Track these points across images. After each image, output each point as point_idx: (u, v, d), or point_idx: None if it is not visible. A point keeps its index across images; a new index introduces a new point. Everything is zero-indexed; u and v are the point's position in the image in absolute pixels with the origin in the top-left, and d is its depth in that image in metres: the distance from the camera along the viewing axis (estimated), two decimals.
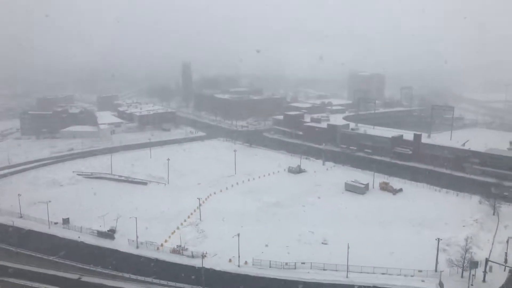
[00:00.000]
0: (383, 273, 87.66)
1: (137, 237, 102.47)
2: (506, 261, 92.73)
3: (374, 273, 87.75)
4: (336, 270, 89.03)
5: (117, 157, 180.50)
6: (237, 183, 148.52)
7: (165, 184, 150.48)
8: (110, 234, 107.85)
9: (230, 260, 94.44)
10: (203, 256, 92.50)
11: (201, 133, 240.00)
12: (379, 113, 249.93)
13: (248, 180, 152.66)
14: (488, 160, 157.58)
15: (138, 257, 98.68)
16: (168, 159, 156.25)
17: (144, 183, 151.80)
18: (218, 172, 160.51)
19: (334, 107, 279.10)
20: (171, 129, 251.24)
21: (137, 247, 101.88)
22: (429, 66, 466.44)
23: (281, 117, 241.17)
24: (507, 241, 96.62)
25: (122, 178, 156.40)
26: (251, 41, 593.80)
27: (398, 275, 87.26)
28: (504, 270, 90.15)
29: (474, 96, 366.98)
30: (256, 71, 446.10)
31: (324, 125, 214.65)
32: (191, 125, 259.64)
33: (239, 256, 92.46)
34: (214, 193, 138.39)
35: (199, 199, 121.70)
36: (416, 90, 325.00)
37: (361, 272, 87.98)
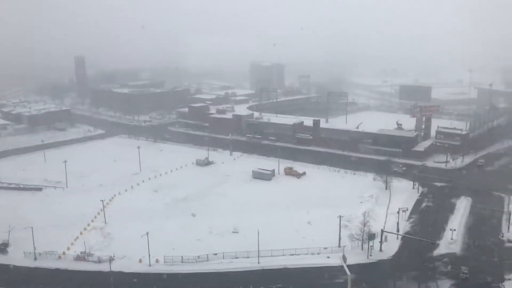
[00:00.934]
0: (292, 254, 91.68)
1: (34, 248, 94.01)
2: (398, 230, 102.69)
3: (283, 255, 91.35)
4: (248, 257, 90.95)
5: (5, 163, 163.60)
6: (143, 181, 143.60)
7: (63, 188, 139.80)
8: (1, 248, 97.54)
9: (140, 261, 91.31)
10: (111, 259, 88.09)
11: (100, 131, 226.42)
12: (280, 101, 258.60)
13: (155, 176, 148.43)
14: (379, 139, 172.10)
15: (37, 269, 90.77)
16: (65, 161, 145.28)
17: (38, 188, 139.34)
18: (122, 170, 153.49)
19: (238, 98, 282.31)
20: (67, 128, 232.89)
21: (35, 258, 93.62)
22: (325, 55, 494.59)
23: (185, 109, 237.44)
24: (398, 212, 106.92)
25: (12, 185, 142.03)
26: (150, 33, 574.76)
27: (306, 254, 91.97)
28: (397, 238, 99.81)
29: (365, 82, 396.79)
30: (156, 64, 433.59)
31: (229, 115, 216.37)
32: (89, 123, 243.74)
33: (149, 256, 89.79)
34: (119, 193, 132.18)
35: (102, 200, 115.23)
36: (314, 78, 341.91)
37: (272, 256, 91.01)
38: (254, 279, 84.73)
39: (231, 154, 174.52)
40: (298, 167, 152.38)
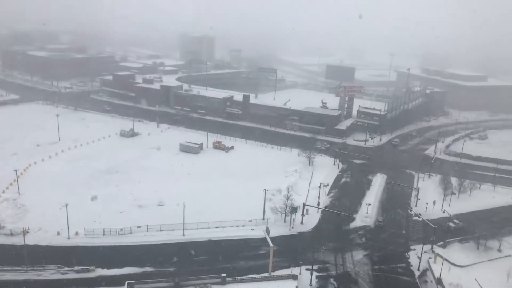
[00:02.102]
0: (217, 227, 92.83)
1: None
2: (318, 204, 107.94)
3: (209, 227, 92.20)
4: (173, 230, 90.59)
5: None
6: (63, 151, 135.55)
7: None
8: None
9: (58, 233, 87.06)
10: (25, 232, 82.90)
11: (13, 96, 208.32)
12: (210, 74, 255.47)
13: (75, 146, 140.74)
14: (305, 117, 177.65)
15: None
16: None
17: None
18: (39, 139, 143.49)
19: (166, 68, 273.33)
20: None
21: None
22: (257, 30, 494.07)
23: (110, 77, 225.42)
24: (319, 187, 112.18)
25: None
26: None
27: (231, 226, 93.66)
28: (318, 212, 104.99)
29: (294, 59, 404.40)
30: (76, 27, 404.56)
31: (157, 86, 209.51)
32: (0, 87, 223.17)
33: (68, 228, 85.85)
34: (35, 163, 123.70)
35: (15, 170, 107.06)
36: (245, 52, 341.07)
37: (197, 229, 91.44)
38: (178, 251, 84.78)
39: (158, 126, 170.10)
40: (227, 141, 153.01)
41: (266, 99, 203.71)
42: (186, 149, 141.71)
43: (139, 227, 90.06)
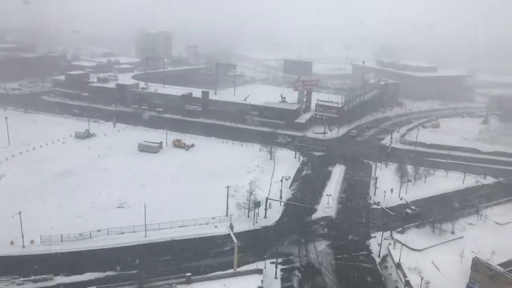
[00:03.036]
0: (180, 226, 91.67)
1: None
2: (281, 197, 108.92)
3: (171, 227, 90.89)
4: (134, 232, 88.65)
5: None
6: (13, 155, 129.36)
7: None
8: None
9: (12, 243, 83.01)
10: None
11: None
12: (168, 71, 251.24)
13: (27, 150, 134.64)
14: (265, 112, 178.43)
15: None
16: None
17: None
18: None
19: (122, 66, 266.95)
20: None
21: None
22: (214, 26, 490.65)
23: (62, 77, 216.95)
24: (281, 180, 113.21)
25: None
26: None
27: (194, 225, 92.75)
28: (280, 205, 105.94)
29: (253, 55, 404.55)
30: (22, 24, 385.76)
31: (112, 85, 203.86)
32: None
33: (22, 236, 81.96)
34: None
35: None
36: (202, 49, 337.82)
37: (160, 229, 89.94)
38: (141, 253, 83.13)
39: (114, 126, 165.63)
40: (187, 139, 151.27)
41: (225, 95, 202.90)
42: (145, 148, 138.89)
43: (99, 231, 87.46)
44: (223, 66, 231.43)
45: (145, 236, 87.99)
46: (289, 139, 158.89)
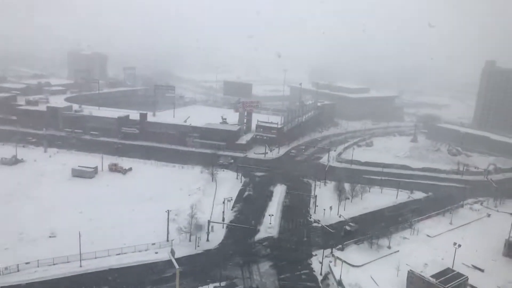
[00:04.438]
0: (118, 254, 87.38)
1: None
2: (223, 219, 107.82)
3: (109, 255, 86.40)
4: (68, 262, 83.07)
5: None
6: None
7: None
8: None
9: None
10: None
11: None
12: (103, 93, 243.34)
13: None
14: (206, 133, 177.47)
15: None
16: None
17: None
18: None
19: (53, 88, 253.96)
20: None
21: None
22: (153, 48, 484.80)
23: None
24: (223, 202, 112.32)
25: None
26: None
27: (133, 252, 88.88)
28: (223, 227, 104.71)
29: (192, 76, 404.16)
30: None
31: (43, 107, 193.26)
32: None
33: None
34: None
35: None
36: (140, 70, 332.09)
37: (96, 258, 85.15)
38: (76, 285, 77.89)
39: (45, 151, 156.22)
40: (124, 163, 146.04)
41: (165, 117, 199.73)
42: (79, 174, 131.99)
43: (27, 263, 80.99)
44: (161, 88, 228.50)
45: (80, 266, 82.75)
46: (232, 160, 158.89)
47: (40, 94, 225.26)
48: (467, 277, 73.51)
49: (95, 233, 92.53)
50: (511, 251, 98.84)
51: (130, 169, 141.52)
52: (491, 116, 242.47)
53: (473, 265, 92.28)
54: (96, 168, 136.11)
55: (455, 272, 73.98)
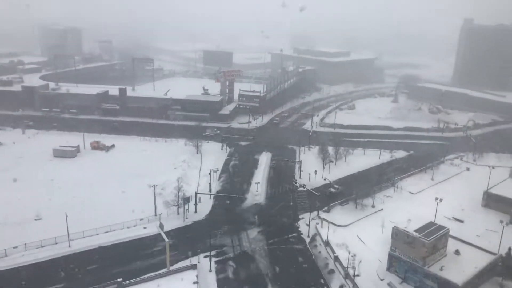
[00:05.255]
0: (106, 232, 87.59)
1: None
2: (210, 190, 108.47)
3: (97, 234, 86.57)
4: (56, 243, 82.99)
5: None
6: None
7: None
8: None
9: None
10: None
11: None
12: (80, 69, 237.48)
13: None
14: (188, 105, 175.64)
15: None
16: None
17: None
18: None
19: (27, 67, 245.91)
20: None
21: None
22: (126, 19, 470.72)
23: None
24: (209, 173, 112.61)
25: None
26: None
27: (122, 229, 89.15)
28: (210, 198, 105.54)
29: (170, 47, 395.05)
30: None
31: (17, 87, 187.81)
32: None
33: None
34: None
35: None
36: (116, 43, 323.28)
37: (84, 237, 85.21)
38: (66, 265, 78.20)
39: (23, 133, 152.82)
40: (106, 140, 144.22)
41: (145, 91, 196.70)
42: (61, 153, 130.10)
43: (15, 247, 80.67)
44: (139, 61, 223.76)
45: (69, 246, 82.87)
46: (218, 131, 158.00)
47: (13, 74, 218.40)
48: (448, 229, 76.01)
49: (81, 212, 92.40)
50: (490, 202, 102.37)
51: (113, 146, 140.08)
52: (469, 73, 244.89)
53: (454, 217, 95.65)
54: (78, 147, 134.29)
55: (437, 225, 76.30)
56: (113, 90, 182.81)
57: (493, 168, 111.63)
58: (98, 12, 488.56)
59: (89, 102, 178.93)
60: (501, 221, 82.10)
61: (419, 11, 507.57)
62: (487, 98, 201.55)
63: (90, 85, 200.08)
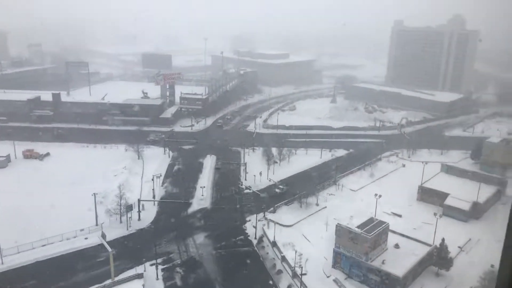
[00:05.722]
0: (43, 245, 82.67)
1: None
2: (154, 196, 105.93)
3: (33, 248, 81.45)
4: None
5: None
6: None
7: None
8: None
9: None
10: None
11: None
12: (8, 74, 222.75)
13: None
14: (126, 110, 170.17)
15: None
16: None
17: None
18: None
19: None
20: None
21: None
22: (58, 20, 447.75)
23: None
24: (153, 179, 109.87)
25: None
26: None
27: (61, 241, 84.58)
28: (154, 204, 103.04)
29: (106, 50, 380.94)
30: None
31: None
32: None
33: None
34: None
35: None
36: (46, 47, 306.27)
37: (19, 252, 79.87)
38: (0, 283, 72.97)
39: None
40: (40, 148, 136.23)
41: (80, 95, 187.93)
42: None
43: None
44: (73, 65, 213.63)
45: (2, 263, 77.27)
46: (162, 135, 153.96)
47: None
48: (388, 223, 79.74)
49: (14, 226, 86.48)
50: (424, 196, 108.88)
51: (48, 154, 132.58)
52: (401, 73, 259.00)
53: (392, 212, 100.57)
54: (8, 156, 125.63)
55: (377, 221, 79.83)
56: (46, 96, 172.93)
57: (426, 163, 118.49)
58: (25, 15, 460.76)
59: (19, 108, 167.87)
60: (435, 214, 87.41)
61: (356, 12, 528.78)
62: (418, 97, 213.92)
63: (20, 90, 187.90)
